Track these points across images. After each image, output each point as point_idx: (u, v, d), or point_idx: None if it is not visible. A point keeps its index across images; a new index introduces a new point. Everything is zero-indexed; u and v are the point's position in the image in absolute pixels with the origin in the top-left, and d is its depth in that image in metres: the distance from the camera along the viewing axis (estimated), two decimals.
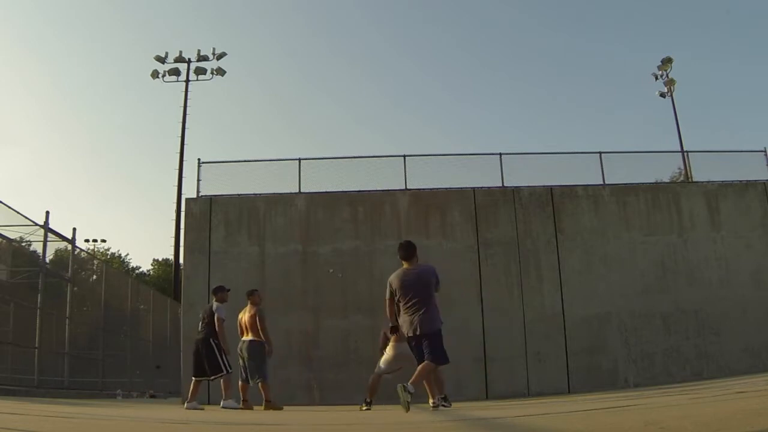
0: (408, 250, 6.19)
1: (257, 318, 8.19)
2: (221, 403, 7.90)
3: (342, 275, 11.41)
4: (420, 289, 6.01)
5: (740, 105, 60.30)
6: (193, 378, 8.20)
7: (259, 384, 8.06)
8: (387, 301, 6.17)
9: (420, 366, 5.89)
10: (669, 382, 10.46)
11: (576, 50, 65.71)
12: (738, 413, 2.92)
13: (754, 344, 11.19)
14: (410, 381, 5.73)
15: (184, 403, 8.31)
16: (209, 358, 8.00)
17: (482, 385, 10.93)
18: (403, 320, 6.01)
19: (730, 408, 3.35)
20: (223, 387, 8.01)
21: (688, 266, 11.69)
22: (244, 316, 8.37)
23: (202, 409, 7.86)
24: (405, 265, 6.20)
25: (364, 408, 7.44)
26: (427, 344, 5.91)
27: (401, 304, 6.04)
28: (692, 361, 11.25)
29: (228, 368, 8.02)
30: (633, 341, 11.27)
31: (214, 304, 8.27)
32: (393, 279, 6.16)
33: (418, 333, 5.92)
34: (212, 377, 8.05)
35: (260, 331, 8.17)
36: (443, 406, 7.29)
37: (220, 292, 8.44)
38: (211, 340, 8.04)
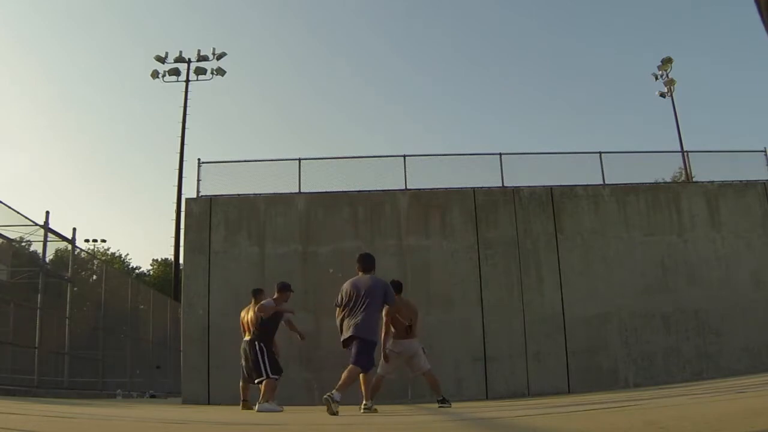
0: (367, 263, 6.51)
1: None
2: (257, 406, 7.46)
3: (342, 275, 11.36)
4: (369, 298, 6.17)
5: (740, 105, 60.27)
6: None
7: (262, 384, 8.00)
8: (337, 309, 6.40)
9: (366, 377, 6.20)
10: (669, 382, 10.46)
11: (576, 50, 65.72)
12: (738, 413, 2.92)
13: (754, 344, 11.19)
14: (336, 388, 5.81)
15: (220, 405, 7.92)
16: (254, 362, 7.72)
17: (482, 385, 10.92)
18: (347, 324, 6.17)
19: (729, 408, 3.35)
20: (262, 389, 7.60)
21: (688, 266, 11.68)
22: (248, 315, 8.33)
23: (281, 410, 7.40)
24: (361, 275, 6.46)
25: (363, 408, 7.43)
26: (357, 347, 6.05)
27: (347, 309, 6.20)
28: (692, 361, 11.24)
29: (269, 373, 7.62)
30: (633, 341, 11.26)
31: (261, 302, 7.80)
32: (347, 285, 6.38)
33: (351, 335, 6.07)
34: (255, 381, 7.75)
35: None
36: (443, 406, 7.30)
37: (286, 290, 8.03)
38: (257, 343, 7.76)
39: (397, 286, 7.98)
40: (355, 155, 12.57)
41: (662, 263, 11.66)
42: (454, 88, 71.04)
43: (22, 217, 12.05)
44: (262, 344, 7.74)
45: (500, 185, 12.05)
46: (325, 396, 5.62)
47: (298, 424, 4.63)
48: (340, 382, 5.80)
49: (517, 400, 9.51)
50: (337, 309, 6.38)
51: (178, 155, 26.06)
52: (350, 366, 5.98)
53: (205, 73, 28.24)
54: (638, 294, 11.42)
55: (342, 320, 6.24)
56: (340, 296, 6.37)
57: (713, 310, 11.38)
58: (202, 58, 28.40)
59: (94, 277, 19.04)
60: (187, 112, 27.15)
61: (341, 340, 6.17)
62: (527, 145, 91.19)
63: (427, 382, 7.80)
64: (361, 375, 6.16)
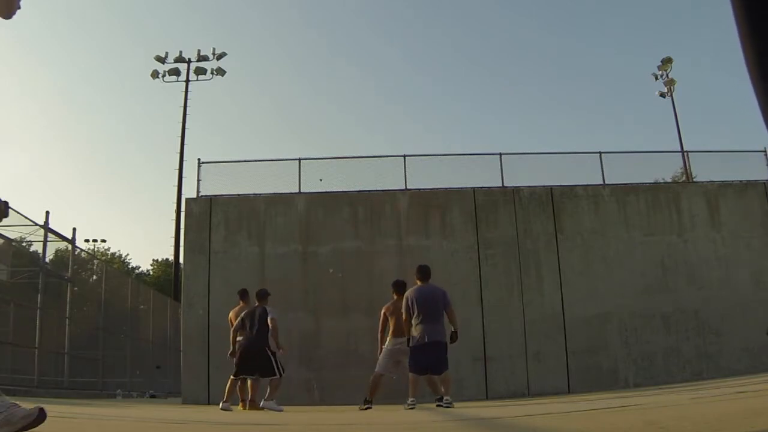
0: (425, 273, 7.32)
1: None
2: (262, 403, 7.73)
3: (342, 275, 11.40)
4: (436, 305, 7.07)
5: (740, 105, 60.24)
6: (232, 377, 8.01)
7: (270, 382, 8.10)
8: (404, 315, 7.16)
9: (444, 377, 7.05)
10: (669, 382, 10.46)
11: (576, 50, 65.69)
12: (738, 413, 2.92)
13: (754, 344, 11.18)
14: (444, 393, 6.90)
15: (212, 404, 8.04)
16: (264, 363, 7.76)
17: (482, 385, 10.92)
18: (422, 329, 6.96)
19: (729, 408, 3.35)
20: (270, 387, 7.81)
21: (688, 266, 11.68)
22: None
23: (282, 410, 7.57)
24: (420, 284, 7.24)
25: (363, 408, 7.44)
26: (441, 353, 6.95)
27: (419, 316, 6.98)
28: (692, 361, 11.24)
29: (281, 371, 7.83)
30: (633, 341, 11.26)
31: (267, 308, 7.99)
32: (410, 294, 7.15)
33: (430, 341, 6.89)
34: (264, 378, 7.87)
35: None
36: (440, 405, 7.30)
37: (267, 296, 8.25)
38: (266, 348, 7.77)
39: (402, 287, 7.98)
40: (355, 155, 12.60)
41: (662, 263, 11.66)
42: (454, 88, 71.04)
43: (22, 217, 12.05)
44: (270, 349, 7.82)
45: (500, 185, 12.04)
46: (445, 405, 6.71)
47: (298, 424, 4.63)
48: (444, 389, 6.95)
49: (517, 400, 9.51)
50: (404, 314, 7.13)
51: (178, 155, 26.06)
52: (444, 374, 7.01)
53: (205, 73, 28.23)
54: (638, 294, 11.41)
55: (412, 325, 7.03)
56: (406, 304, 7.09)
57: (713, 310, 11.37)
58: (202, 58, 28.38)
59: (94, 277, 19.05)
60: (187, 112, 27.16)
61: (421, 343, 6.90)
62: (527, 145, 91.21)
63: (425, 382, 7.79)
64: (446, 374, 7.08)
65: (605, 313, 11.34)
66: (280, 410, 7.47)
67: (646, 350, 11.25)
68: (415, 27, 71.56)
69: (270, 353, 7.77)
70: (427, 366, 7.02)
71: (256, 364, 7.78)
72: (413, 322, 7.02)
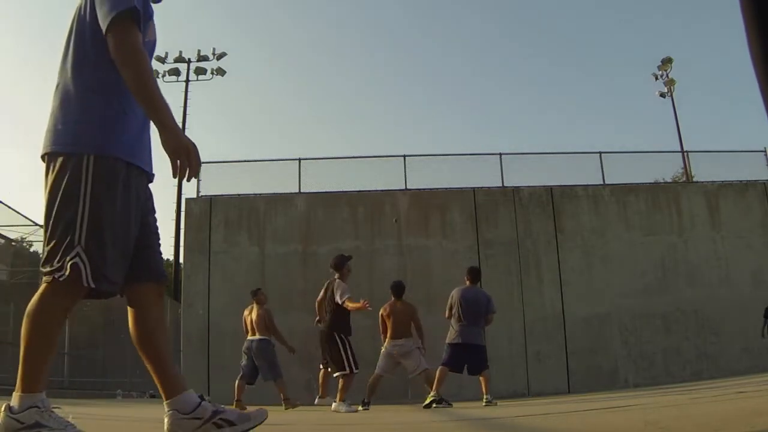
0: (476, 275, 7.75)
1: (266, 317, 8.23)
2: (333, 405, 6.80)
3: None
4: (478, 308, 7.30)
5: (741, 105, 60.26)
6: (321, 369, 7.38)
7: (275, 382, 8.09)
8: (447, 312, 7.51)
9: (484, 375, 7.27)
10: (669, 382, 10.46)
11: (576, 50, 65.70)
12: (738, 413, 2.92)
13: (754, 344, 11.18)
14: (485, 392, 7.14)
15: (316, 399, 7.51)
16: (332, 353, 6.85)
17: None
18: (454, 329, 7.27)
19: (730, 408, 3.35)
20: (340, 387, 6.79)
21: (688, 266, 11.69)
22: (251, 315, 8.40)
23: (356, 410, 6.84)
24: (469, 285, 7.54)
25: (362, 408, 7.44)
26: (478, 354, 7.24)
27: (457, 316, 7.25)
28: (692, 361, 11.25)
29: (353, 368, 6.77)
30: (633, 341, 11.28)
31: (336, 282, 7.05)
32: (455, 293, 7.44)
33: (463, 342, 7.16)
34: (334, 375, 6.94)
35: (272, 330, 8.21)
36: (438, 405, 7.31)
37: (345, 264, 7.25)
38: (335, 334, 6.82)
39: (398, 288, 7.97)
40: (355, 155, 12.62)
41: (662, 263, 11.67)
42: (454, 88, 71.05)
43: (23, 217, 12.07)
44: (342, 335, 6.89)
45: (500, 185, 12.06)
46: (486, 402, 6.98)
47: (298, 423, 4.64)
48: (485, 387, 7.15)
49: (517, 400, 9.52)
50: (447, 311, 7.45)
51: None
52: (484, 372, 7.22)
53: (205, 73, 28.16)
54: (638, 294, 11.42)
55: (453, 323, 7.32)
56: (450, 303, 7.43)
57: (713, 310, 11.38)
58: (202, 58, 28.33)
59: None
60: (187, 112, 27.13)
61: (455, 342, 7.22)
62: (527, 145, 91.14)
63: (425, 380, 7.79)
64: (486, 373, 7.31)
65: (605, 313, 11.35)
66: (353, 411, 6.64)
67: (646, 350, 11.26)
68: (415, 27, 71.60)
69: (339, 340, 6.79)
70: (462, 365, 7.29)
71: (327, 353, 6.96)
72: (452, 321, 7.33)
